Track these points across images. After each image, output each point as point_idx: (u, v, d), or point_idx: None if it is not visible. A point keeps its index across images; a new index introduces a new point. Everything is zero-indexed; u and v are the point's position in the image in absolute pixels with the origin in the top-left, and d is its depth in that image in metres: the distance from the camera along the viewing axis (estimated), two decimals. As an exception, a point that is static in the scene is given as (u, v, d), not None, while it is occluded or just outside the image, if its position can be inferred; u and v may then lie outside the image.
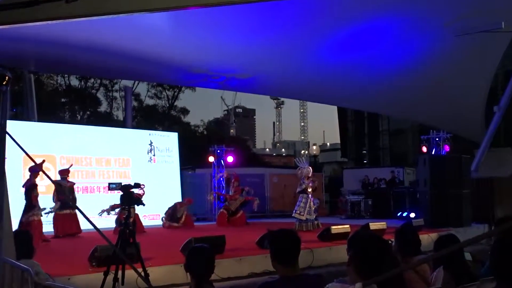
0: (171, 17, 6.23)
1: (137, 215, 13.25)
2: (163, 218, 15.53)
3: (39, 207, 10.95)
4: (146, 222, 15.76)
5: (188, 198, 16.07)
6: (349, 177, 21.74)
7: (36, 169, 10.35)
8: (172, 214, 15.37)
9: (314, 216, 13.33)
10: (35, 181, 10.92)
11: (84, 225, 12.60)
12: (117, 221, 13.02)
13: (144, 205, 5.86)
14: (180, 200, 17.01)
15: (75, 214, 12.44)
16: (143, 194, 13.23)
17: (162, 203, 16.00)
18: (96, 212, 12.27)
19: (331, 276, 2.64)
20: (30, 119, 15.16)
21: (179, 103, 46.42)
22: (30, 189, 10.87)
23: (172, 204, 15.68)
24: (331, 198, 22.32)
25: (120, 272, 5.35)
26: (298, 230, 12.71)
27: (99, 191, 15.63)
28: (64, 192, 11.92)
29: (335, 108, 39.73)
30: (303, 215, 13.17)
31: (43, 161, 11.11)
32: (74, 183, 12.81)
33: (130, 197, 5.61)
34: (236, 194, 16.35)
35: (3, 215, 3.47)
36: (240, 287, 7.24)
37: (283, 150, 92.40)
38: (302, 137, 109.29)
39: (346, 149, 41.40)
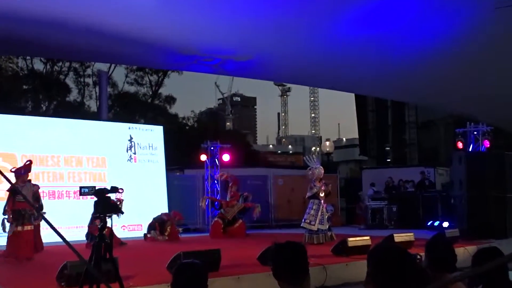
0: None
1: (112, 226, 13.25)
2: (146, 233, 15.57)
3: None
4: (125, 233, 15.79)
5: (177, 212, 16.06)
6: (369, 179, 21.75)
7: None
8: (156, 226, 15.42)
9: (327, 226, 13.35)
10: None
11: (50, 237, 12.60)
12: (88, 235, 13.01)
13: (122, 213, 5.87)
14: (166, 207, 17.07)
15: (32, 231, 11.23)
16: (122, 200, 13.33)
17: (144, 211, 16.05)
18: (65, 221, 12.29)
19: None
20: (-15, 111, 15.21)
21: (164, 91, 46.62)
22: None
23: (157, 214, 15.71)
24: (347, 205, 22.36)
25: (94, 294, 5.37)
26: (308, 243, 12.75)
27: (69, 197, 15.68)
28: (26, 198, 11.82)
29: (352, 96, 39.78)
30: (314, 225, 13.19)
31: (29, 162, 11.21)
32: (38, 187, 12.64)
33: (106, 204, 5.63)
34: (234, 200, 16.40)
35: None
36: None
37: (289, 146, 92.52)
38: (313, 131, 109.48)
39: (365, 145, 41.40)
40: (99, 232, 5.53)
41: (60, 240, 3.39)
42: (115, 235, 13.11)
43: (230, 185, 16.72)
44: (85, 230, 13.51)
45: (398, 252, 2.42)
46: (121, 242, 13.36)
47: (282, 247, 3.04)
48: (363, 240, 10.46)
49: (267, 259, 8.73)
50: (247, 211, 16.64)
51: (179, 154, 32.86)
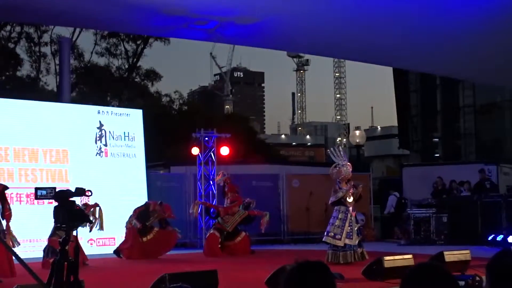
0: None
1: (77, 239, 13.29)
2: (128, 222, 15.67)
3: None
4: (93, 249, 15.83)
5: (169, 206, 16.16)
6: (412, 180, 21.69)
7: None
8: (141, 214, 15.54)
9: (357, 241, 13.35)
10: None
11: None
12: (46, 249, 13.04)
13: (91, 222, 5.88)
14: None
15: None
16: (91, 206, 13.37)
17: (117, 220, 16.07)
18: (16, 233, 12.25)
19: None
20: None
21: (144, 64, 46.31)
22: None
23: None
24: (383, 213, 22.32)
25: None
26: (332, 262, 12.76)
27: (20, 201, 15.72)
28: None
29: (389, 71, 39.57)
30: (339, 240, 13.18)
31: None
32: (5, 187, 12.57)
33: (69, 211, 5.64)
34: (235, 206, 16.40)
35: None
36: None
37: (308, 137, 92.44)
38: (338, 117, 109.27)
39: (407, 135, 41.26)
40: (60, 248, 5.53)
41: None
42: (82, 251, 13.16)
43: (226, 190, 16.72)
44: (41, 244, 13.53)
45: (440, 275, 2.48)
46: (83, 262, 13.33)
47: (298, 269, 3.04)
48: (403, 259, 10.45)
49: (279, 284, 8.73)
50: (252, 221, 16.64)
51: (164, 146, 32.93)
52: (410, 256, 10.69)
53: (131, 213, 15.76)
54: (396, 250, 15.56)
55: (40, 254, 13.29)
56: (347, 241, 13.17)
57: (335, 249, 13.17)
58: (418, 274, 2.53)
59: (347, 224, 13.26)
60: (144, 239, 15.54)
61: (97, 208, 13.55)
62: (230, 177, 16.91)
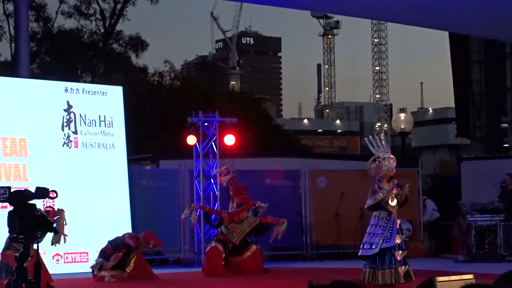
0: None
1: (38, 254, 13.34)
2: (93, 266, 15.64)
3: None
4: (60, 267, 15.91)
5: (150, 233, 16.04)
6: (473, 178, 21.66)
7: None
8: (109, 254, 15.50)
9: (402, 256, 13.37)
10: None
11: None
12: (1, 267, 13.11)
13: (56, 233, 5.90)
14: (128, 223, 17.11)
15: None
16: (55, 213, 13.41)
17: (91, 230, 16.11)
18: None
19: None
20: None
21: (126, 28, 46.15)
22: None
23: (114, 236, 15.76)
24: (437, 221, 22.29)
25: None
26: (371, 283, 12.78)
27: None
28: None
29: (443, 36, 39.43)
30: (376, 248, 13.23)
31: None
32: None
33: (27, 218, 5.66)
34: (242, 211, 16.41)
35: None
36: None
37: (337, 122, 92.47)
38: (377, 96, 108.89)
39: (467, 119, 41.16)
40: (17, 264, 5.56)
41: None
42: (46, 269, 13.21)
43: (231, 194, 16.70)
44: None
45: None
46: (47, 284, 13.37)
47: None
48: (461, 280, 10.44)
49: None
50: (265, 231, 16.66)
51: (151, 134, 32.91)
52: (470, 276, 10.68)
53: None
54: (453, 268, 15.57)
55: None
56: (384, 245, 13.16)
57: (374, 267, 13.21)
58: None
59: (386, 231, 13.26)
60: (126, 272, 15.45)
61: (63, 215, 13.52)
62: (236, 175, 16.89)
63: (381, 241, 13.19)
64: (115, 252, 15.50)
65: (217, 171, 17.90)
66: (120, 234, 15.91)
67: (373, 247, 13.24)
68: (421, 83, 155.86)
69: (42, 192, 5.81)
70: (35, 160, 16.86)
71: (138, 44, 40.91)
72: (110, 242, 15.76)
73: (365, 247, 13.37)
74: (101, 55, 39.36)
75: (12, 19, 34.03)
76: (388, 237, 13.24)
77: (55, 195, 6.10)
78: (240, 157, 19.86)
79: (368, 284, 12.63)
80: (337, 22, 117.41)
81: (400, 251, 13.39)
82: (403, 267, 13.33)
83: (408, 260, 13.71)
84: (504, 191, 20.02)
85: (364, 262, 13.41)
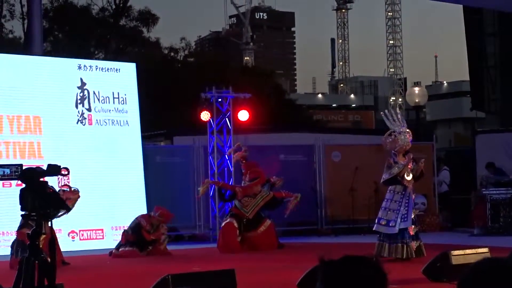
0: None
1: (54, 232, 13.38)
2: (112, 251, 15.67)
3: None
4: (75, 244, 15.95)
5: (163, 209, 16.02)
6: (488, 151, 21.57)
7: None
8: (134, 236, 15.49)
9: (415, 231, 13.35)
10: None
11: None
12: (15, 245, 13.11)
13: (69, 209, 5.88)
14: (143, 200, 17.12)
15: None
16: (71, 190, 13.40)
17: (105, 207, 16.14)
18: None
19: None
20: None
21: (137, 4, 45.98)
22: None
23: (132, 219, 15.74)
24: (452, 195, 22.25)
25: None
26: (383, 256, 12.78)
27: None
28: None
29: (458, 9, 39.17)
30: (394, 226, 13.22)
31: None
32: None
33: (42, 195, 5.65)
34: (256, 184, 16.38)
35: None
36: None
37: (352, 96, 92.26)
38: (392, 70, 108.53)
39: (481, 93, 40.96)
40: (30, 243, 5.53)
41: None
42: (59, 248, 13.25)
43: (243, 171, 16.70)
44: (9, 238, 13.65)
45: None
46: (62, 261, 13.41)
47: (339, 267, 3.03)
48: (476, 254, 10.42)
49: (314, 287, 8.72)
50: (279, 205, 16.64)
51: (165, 110, 32.89)
52: (485, 249, 10.65)
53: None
54: (468, 242, 15.54)
55: (7, 250, 13.40)
56: (402, 225, 13.16)
57: (389, 240, 13.20)
58: (481, 274, 2.47)
59: (402, 208, 13.25)
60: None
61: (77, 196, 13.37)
62: (247, 151, 16.87)
63: (399, 219, 13.17)
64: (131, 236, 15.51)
65: (230, 151, 17.91)
66: (134, 211, 15.94)
67: (390, 224, 13.21)
68: (436, 56, 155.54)
69: (54, 169, 5.78)
70: (50, 137, 16.88)
71: (149, 18, 40.86)
72: (127, 230, 15.68)
73: (381, 222, 13.36)
74: (114, 31, 39.29)
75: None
76: (405, 216, 13.22)
77: (67, 172, 6.05)
78: (254, 132, 19.82)
79: (382, 257, 12.61)
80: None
81: (413, 226, 13.39)
82: (416, 242, 13.32)
83: (423, 234, 13.70)
84: (519, 164, 19.96)
85: (379, 234, 13.40)
